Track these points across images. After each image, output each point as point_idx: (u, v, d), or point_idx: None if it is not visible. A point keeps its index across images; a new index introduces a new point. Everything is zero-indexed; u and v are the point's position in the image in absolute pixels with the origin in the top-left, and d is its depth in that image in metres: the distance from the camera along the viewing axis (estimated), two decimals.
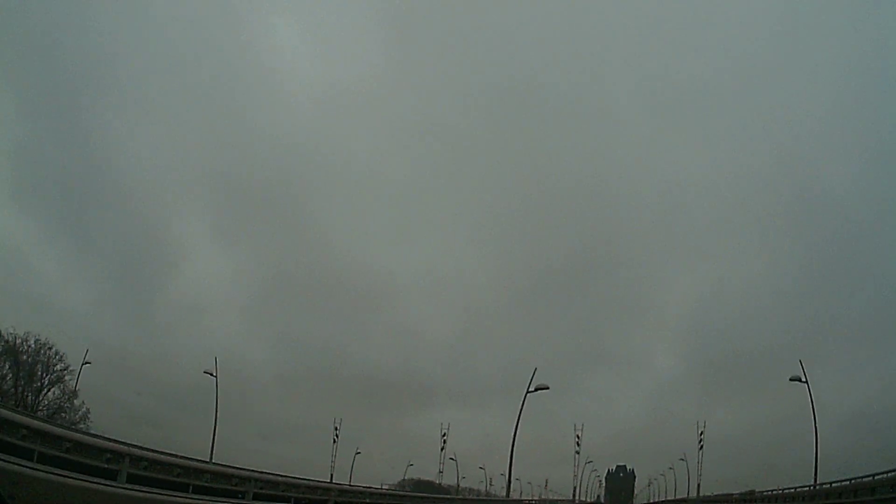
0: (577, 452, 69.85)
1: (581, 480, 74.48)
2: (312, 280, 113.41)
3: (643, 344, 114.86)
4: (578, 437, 69.89)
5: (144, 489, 12.34)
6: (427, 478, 77.15)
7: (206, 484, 16.86)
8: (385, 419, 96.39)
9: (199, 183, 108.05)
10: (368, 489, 35.15)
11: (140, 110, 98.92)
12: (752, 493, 46.53)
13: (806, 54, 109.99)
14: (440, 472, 74.66)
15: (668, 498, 78.37)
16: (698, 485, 59.74)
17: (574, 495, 69.67)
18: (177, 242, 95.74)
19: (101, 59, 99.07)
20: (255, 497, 18.20)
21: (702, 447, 61.49)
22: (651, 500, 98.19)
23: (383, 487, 52.57)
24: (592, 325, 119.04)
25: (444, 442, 64.93)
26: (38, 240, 76.56)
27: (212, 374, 51.21)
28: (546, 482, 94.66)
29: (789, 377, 44.18)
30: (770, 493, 40.61)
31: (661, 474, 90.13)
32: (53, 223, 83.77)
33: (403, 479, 75.70)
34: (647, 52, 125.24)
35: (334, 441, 62.01)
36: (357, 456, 66.74)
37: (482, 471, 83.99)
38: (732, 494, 50.96)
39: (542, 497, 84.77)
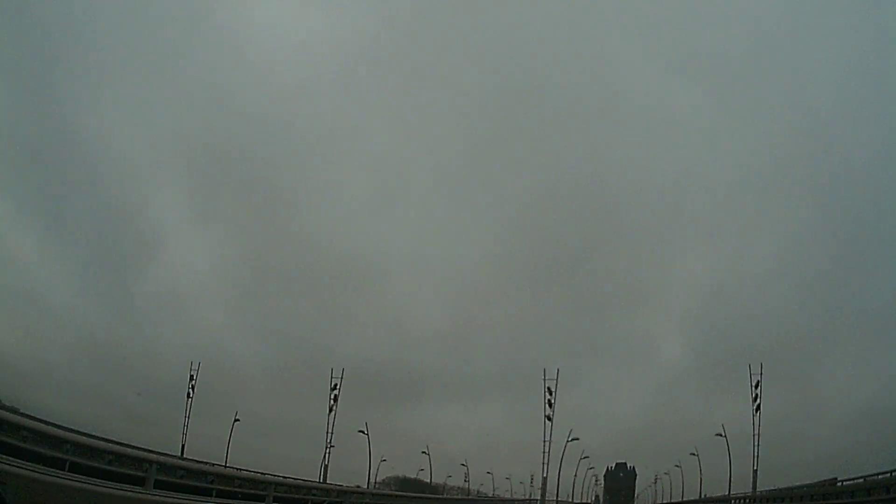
0: (549, 418, 60.06)
1: (560, 480, 69.50)
2: (294, 264, 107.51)
3: (648, 334, 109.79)
4: (551, 402, 60.26)
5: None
6: (414, 476, 73.24)
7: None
8: (377, 414, 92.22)
9: (175, 162, 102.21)
10: (358, 490, 33.55)
11: (110, 85, 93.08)
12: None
13: (822, 20, 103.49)
14: (422, 469, 71.05)
15: (688, 499, 72.48)
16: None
17: (543, 494, 61.25)
18: (153, 226, 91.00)
19: (69, 33, 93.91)
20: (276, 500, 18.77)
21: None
22: (659, 501, 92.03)
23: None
24: (594, 313, 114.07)
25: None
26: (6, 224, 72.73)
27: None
28: (532, 478, 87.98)
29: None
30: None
31: (666, 473, 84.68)
32: (19, 205, 79.82)
33: (387, 478, 71.58)
34: (659, 16, 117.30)
35: (329, 446, 57.12)
36: (346, 453, 62.86)
37: (487, 473, 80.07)
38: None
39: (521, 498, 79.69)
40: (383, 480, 71.34)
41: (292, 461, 64.62)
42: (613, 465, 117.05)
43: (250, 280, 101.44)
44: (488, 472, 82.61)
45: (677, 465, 75.55)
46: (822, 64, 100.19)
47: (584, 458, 72.91)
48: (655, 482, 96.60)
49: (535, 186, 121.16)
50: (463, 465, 74.96)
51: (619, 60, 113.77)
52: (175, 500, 12.62)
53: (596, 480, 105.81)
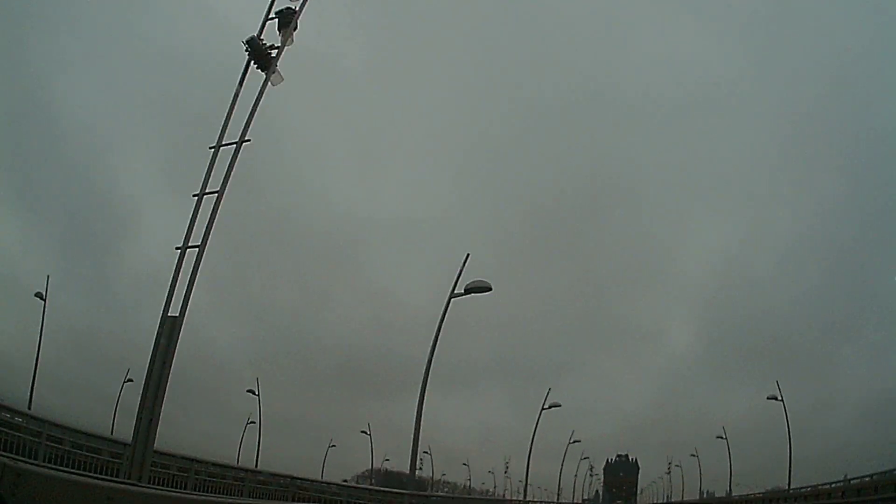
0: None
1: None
2: (272, 238, 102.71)
3: (656, 317, 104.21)
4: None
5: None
6: (400, 470, 69.29)
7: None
8: (364, 406, 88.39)
9: (144, 129, 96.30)
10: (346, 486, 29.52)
11: (73, 49, 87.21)
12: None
13: None
14: (419, 468, 67.08)
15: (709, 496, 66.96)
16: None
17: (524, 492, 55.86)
18: (126, 202, 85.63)
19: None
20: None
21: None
22: (668, 501, 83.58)
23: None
24: (597, 295, 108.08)
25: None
26: None
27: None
28: (506, 466, 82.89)
29: (766, 396, 43.06)
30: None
31: (678, 465, 78.11)
32: None
33: (367, 471, 67.59)
34: None
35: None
36: (334, 447, 61.22)
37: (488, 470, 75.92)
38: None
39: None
40: (362, 473, 67.82)
41: (285, 459, 61.72)
42: (614, 458, 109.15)
43: (227, 259, 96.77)
44: (490, 472, 78.93)
45: (694, 455, 68.51)
46: (853, 23, 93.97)
47: (584, 458, 68.87)
48: (669, 472, 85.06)
49: (533, 143, 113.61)
50: (465, 464, 71.61)
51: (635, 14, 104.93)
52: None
53: (591, 470, 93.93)
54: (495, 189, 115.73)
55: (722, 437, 54.15)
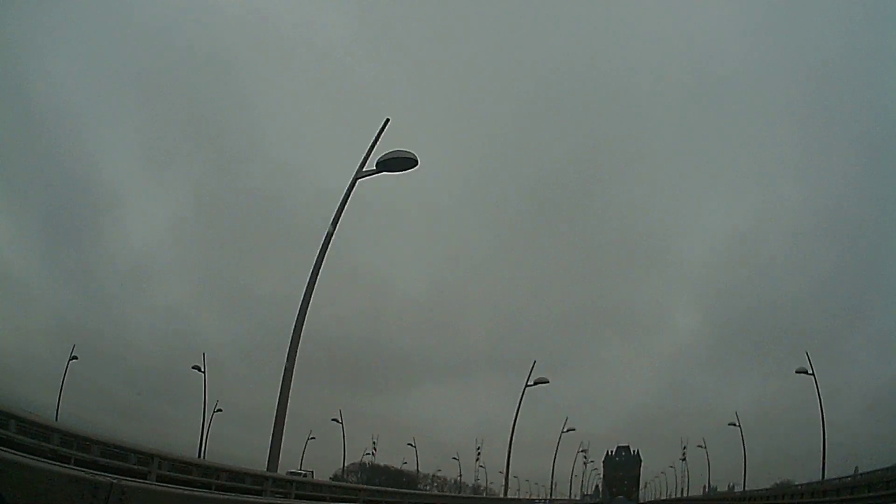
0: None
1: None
2: (254, 217, 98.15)
3: (659, 301, 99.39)
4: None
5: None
6: (398, 466, 66.30)
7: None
8: (356, 399, 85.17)
9: (122, 107, 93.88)
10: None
11: (46, 24, 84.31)
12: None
13: None
14: (405, 462, 64.02)
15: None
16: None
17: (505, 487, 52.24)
18: (107, 187, 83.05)
19: None
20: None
21: None
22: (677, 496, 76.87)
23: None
24: (597, 277, 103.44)
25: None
26: None
27: (200, 370, 45.76)
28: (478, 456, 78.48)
29: (795, 370, 38.07)
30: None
31: (682, 458, 73.96)
32: None
33: (353, 464, 64.54)
34: None
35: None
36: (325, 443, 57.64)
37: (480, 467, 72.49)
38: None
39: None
40: (349, 467, 64.85)
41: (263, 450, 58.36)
42: (614, 450, 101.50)
43: (210, 243, 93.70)
44: (481, 466, 75.49)
45: (700, 446, 65.11)
46: None
47: (582, 451, 64.98)
48: (686, 458, 76.86)
49: (529, 114, 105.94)
50: (455, 458, 67.91)
51: None
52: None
53: (586, 456, 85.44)
54: (488, 166, 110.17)
55: (735, 425, 50.43)
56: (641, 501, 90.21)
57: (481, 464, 68.21)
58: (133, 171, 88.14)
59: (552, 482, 54.30)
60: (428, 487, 68.48)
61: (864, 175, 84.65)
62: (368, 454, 61.35)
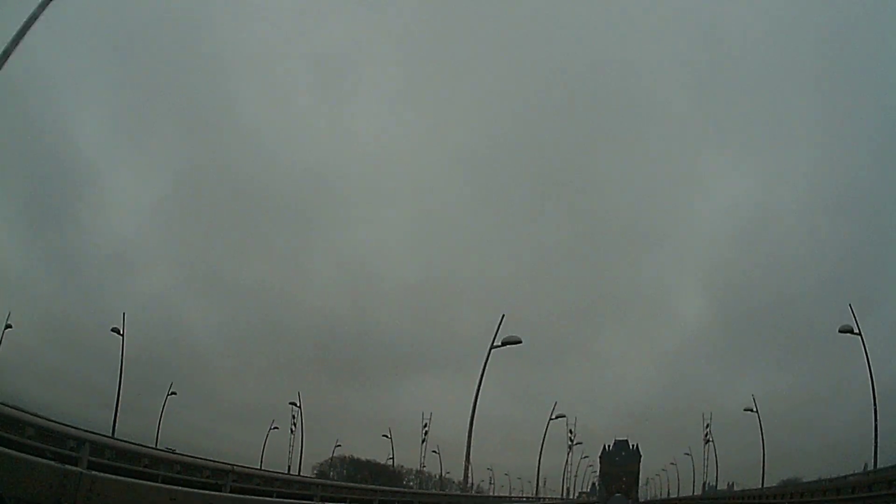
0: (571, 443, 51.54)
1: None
2: (236, 198, 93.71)
3: (663, 285, 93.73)
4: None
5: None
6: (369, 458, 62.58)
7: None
8: (345, 391, 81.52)
9: (94, 73, 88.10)
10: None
11: None
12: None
13: None
14: (389, 458, 60.41)
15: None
16: None
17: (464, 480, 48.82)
18: (84, 164, 79.34)
19: None
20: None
21: None
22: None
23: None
24: (597, 259, 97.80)
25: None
26: None
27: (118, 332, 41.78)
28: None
29: (839, 328, 32.47)
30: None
31: (687, 453, 69.26)
32: None
33: (333, 458, 60.88)
34: None
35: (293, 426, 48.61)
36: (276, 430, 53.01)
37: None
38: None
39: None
40: (325, 461, 61.28)
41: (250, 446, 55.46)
42: (611, 444, 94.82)
43: (191, 226, 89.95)
44: (489, 469, 71.45)
45: (709, 439, 60.29)
46: None
47: (577, 443, 60.49)
48: (709, 439, 68.33)
49: (524, 84, 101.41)
50: (434, 451, 63.53)
51: None
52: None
53: (571, 440, 75.07)
54: (480, 138, 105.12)
55: (752, 410, 46.21)
56: (641, 500, 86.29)
57: (434, 448, 63.57)
58: (108, 145, 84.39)
59: (538, 479, 50.09)
60: (411, 484, 65.03)
61: (883, 146, 78.90)
62: (339, 446, 57.71)
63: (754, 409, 46.77)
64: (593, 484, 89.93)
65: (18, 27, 13.11)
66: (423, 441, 57.65)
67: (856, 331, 32.40)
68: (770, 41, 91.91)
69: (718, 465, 56.49)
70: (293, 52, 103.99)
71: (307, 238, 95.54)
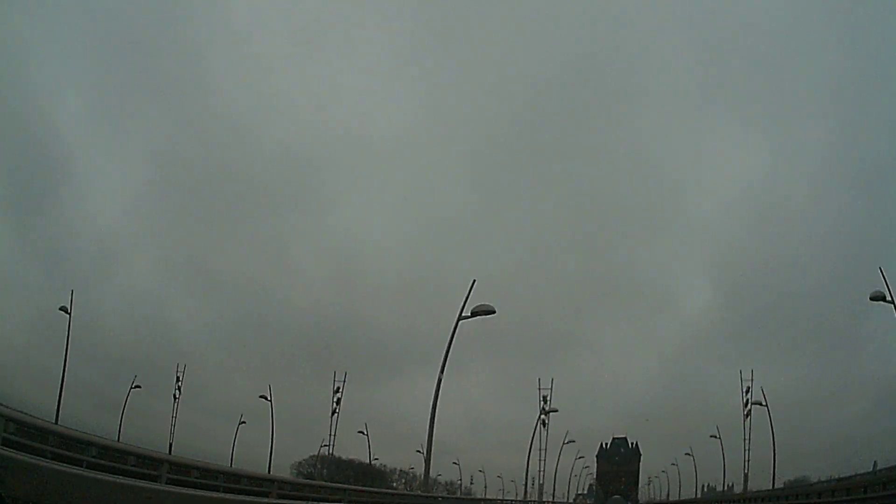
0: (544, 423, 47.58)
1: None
2: (219, 186, 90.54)
3: (668, 274, 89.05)
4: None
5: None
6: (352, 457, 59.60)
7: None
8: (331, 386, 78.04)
9: (72, 56, 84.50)
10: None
11: None
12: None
13: None
14: (376, 459, 57.38)
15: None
16: None
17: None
18: (64, 153, 75.30)
19: None
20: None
21: None
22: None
23: None
24: (592, 240, 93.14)
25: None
26: None
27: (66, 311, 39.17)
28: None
29: (870, 295, 28.67)
30: None
31: (688, 452, 65.56)
32: None
33: (311, 458, 57.88)
34: None
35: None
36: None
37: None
38: None
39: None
40: (304, 460, 58.46)
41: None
42: (609, 442, 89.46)
43: (172, 215, 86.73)
44: (481, 471, 68.43)
45: (715, 436, 54.73)
46: None
47: (569, 441, 56.84)
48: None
49: (520, 60, 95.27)
50: (419, 451, 60.13)
51: None
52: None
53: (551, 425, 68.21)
54: (468, 107, 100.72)
55: (762, 404, 43.23)
56: (641, 502, 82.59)
57: (418, 448, 60.46)
58: (87, 128, 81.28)
59: (526, 478, 47.14)
60: (395, 485, 62.36)
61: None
62: (326, 445, 54.86)
63: (763, 404, 43.57)
64: (591, 486, 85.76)
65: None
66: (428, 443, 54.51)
67: (888, 298, 29.27)
68: (780, 4, 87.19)
69: (726, 465, 53.25)
70: (271, 27, 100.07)
71: (290, 225, 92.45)
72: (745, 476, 43.83)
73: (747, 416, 44.72)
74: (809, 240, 78.42)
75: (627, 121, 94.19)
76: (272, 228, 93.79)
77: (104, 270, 73.29)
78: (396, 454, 75.62)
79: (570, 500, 69.35)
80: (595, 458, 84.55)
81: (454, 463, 67.53)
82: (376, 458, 59.52)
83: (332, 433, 48.05)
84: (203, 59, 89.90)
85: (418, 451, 58.31)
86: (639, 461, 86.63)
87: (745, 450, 43.93)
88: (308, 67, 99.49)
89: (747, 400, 45.30)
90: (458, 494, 62.54)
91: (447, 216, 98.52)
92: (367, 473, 57.22)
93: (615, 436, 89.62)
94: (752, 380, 43.99)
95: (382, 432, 68.14)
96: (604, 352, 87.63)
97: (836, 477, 34.11)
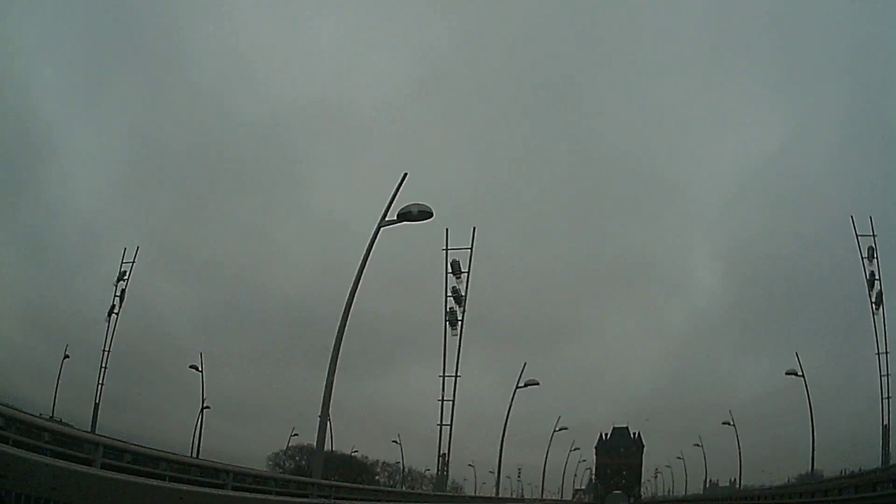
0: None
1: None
2: (199, 164, 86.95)
3: (677, 253, 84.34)
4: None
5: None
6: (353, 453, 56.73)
7: None
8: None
9: (52, 41, 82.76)
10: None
11: None
12: None
13: None
14: (355, 451, 54.36)
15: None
16: None
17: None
18: (42, 128, 72.55)
19: None
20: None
21: None
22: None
23: None
24: (596, 220, 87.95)
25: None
26: None
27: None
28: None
29: None
30: None
31: (697, 444, 61.95)
32: None
33: (289, 449, 54.86)
34: None
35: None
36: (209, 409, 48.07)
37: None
38: None
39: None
40: (281, 451, 55.65)
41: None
42: (609, 432, 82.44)
43: (153, 195, 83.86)
44: (470, 465, 65.64)
45: (729, 422, 53.03)
46: None
47: (561, 429, 53.72)
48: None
49: (520, 14, 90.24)
50: (395, 441, 56.72)
51: None
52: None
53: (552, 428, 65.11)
54: (462, 77, 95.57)
55: (795, 374, 39.61)
56: (644, 498, 79.43)
57: (482, 465, 57.43)
58: (65, 105, 78.64)
59: (519, 477, 44.15)
60: (378, 479, 59.42)
61: None
62: (296, 434, 52.09)
63: (800, 374, 39.26)
64: (590, 481, 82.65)
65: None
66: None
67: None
68: None
69: (743, 458, 49.52)
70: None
71: (271, 204, 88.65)
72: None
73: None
74: (828, 220, 73.33)
75: (635, 90, 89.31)
76: (254, 207, 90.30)
77: (85, 259, 70.84)
78: (377, 445, 72.31)
79: (565, 497, 66.19)
80: (594, 450, 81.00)
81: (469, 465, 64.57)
82: (356, 451, 56.76)
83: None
84: (176, 23, 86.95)
85: (395, 442, 55.54)
86: (641, 453, 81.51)
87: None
88: (283, 25, 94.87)
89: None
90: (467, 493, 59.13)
91: (438, 190, 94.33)
92: (351, 466, 54.38)
93: (616, 425, 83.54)
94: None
95: (376, 423, 65.35)
96: (606, 339, 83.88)
97: (849, 474, 31.08)
